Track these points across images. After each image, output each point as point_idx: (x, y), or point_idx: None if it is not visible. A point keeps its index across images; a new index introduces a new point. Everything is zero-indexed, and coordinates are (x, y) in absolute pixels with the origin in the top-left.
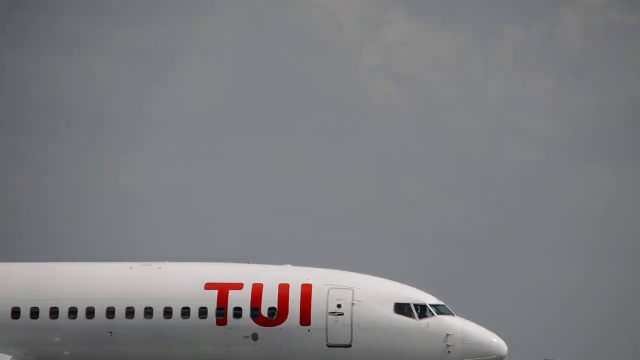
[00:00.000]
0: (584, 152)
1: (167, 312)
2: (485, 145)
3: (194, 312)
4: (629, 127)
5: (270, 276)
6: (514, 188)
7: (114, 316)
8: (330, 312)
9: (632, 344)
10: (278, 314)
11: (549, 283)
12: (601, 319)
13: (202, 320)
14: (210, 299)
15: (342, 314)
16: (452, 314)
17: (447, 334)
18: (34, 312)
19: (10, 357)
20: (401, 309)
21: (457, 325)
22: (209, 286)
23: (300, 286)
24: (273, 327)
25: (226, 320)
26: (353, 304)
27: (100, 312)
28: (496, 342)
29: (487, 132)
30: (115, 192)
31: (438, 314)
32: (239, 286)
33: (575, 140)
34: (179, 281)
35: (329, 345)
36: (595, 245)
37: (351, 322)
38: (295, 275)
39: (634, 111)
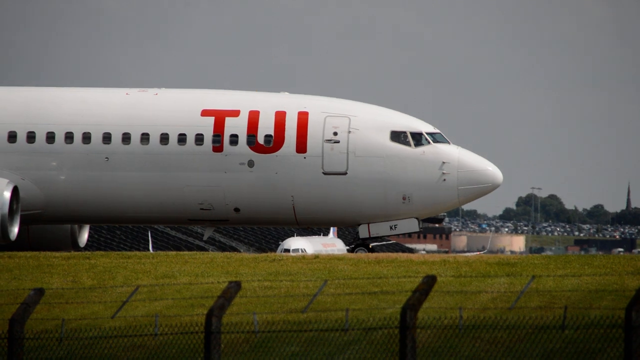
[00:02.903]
0: None
1: (164, 138)
2: None
3: (191, 138)
4: None
5: (267, 103)
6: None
7: (110, 142)
8: (327, 140)
9: (616, 177)
10: (274, 141)
11: (539, 117)
12: (586, 151)
13: (199, 147)
14: (206, 126)
15: (338, 142)
16: (448, 142)
17: (443, 162)
18: (31, 137)
19: (6, 181)
20: (397, 136)
21: (453, 153)
22: (205, 113)
23: (297, 113)
24: (269, 154)
25: (222, 147)
26: (349, 131)
27: (96, 138)
28: (492, 170)
29: None
30: (112, 18)
31: (434, 142)
32: (235, 113)
33: None
34: (175, 107)
35: (324, 173)
36: (589, 77)
37: (347, 150)
38: (292, 103)
39: None
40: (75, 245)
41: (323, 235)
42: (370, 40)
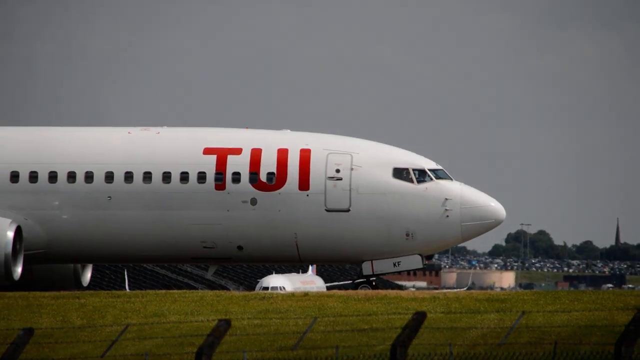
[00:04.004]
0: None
1: (166, 176)
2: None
3: (193, 177)
4: None
5: (269, 141)
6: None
7: (112, 181)
8: (329, 177)
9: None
10: (277, 179)
11: (528, 153)
12: (575, 187)
13: (201, 185)
14: (209, 164)
15: (341, 179)
16: (451, 179)
17: (446, 199)
18: (33, 176)
19: (9, 220)
20: (400, 173)
21: (456, 189)
22: (207, 151)
23: (299, 151)
24: (272, 192)
25: (225, 185)
26: (352, 169)
27: (99, 177)
28: (494, 206)
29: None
30: (113, 58)
31: (437, 178)
32: (237, 151)
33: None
34: (177, 146)
35: (327, 210)
36: (579, 114)
37: (350, 187)
38: (293, 140)
39: None
40: (78, 285)
41: (302, 272)
42: (372, 77)
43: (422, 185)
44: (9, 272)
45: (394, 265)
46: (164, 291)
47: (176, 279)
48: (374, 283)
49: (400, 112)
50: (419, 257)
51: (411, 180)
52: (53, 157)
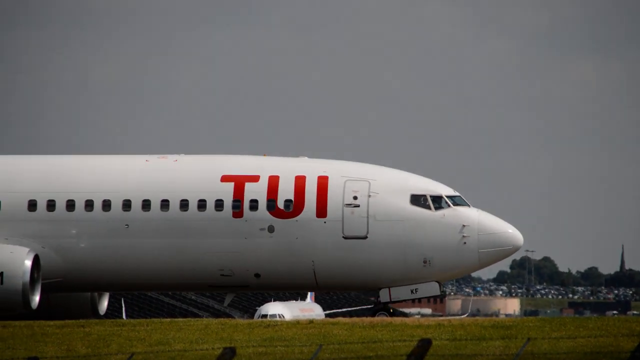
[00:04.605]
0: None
1: (184, 204)
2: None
3: (210, 204)
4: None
5: (287, 168)
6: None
7: (130, 209)
8: (347, 204)
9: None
10: (294, 206)
11: (532, 180)
12: (579, 213)
13: (219, 213)
14: (226, 192)
15: (359, 206)
16: (468, 205)
17: (463, 225)
18: (51, 205)
19: (27, 249)
20: (417, 200)
21: (473, 216)
22: (225, 178)
23: (316, 178)
24: (289, 219)
25: (242, 212)
26: (369, 195)
27: (116, 205)
28: (512, 232)
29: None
30: (131, 86)
31: (454, 205)
32: (255, 178)
33: (561, 33)
34: (195, 174)
35: (345, 237)
36: (584, 139)
37: (367, 214)
38: (311, 167)
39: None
40: (95, 313)
41: (300, 300)
42: (389, 103)
43: (440, 212)
44: (26, 301)
45: (412, 292)
46: (168, 319)
47: (181, 307)
48: (391, 310)
49: (417, 138)
50: (437, 284)
51: (429, 207)
52: (70, 185)
